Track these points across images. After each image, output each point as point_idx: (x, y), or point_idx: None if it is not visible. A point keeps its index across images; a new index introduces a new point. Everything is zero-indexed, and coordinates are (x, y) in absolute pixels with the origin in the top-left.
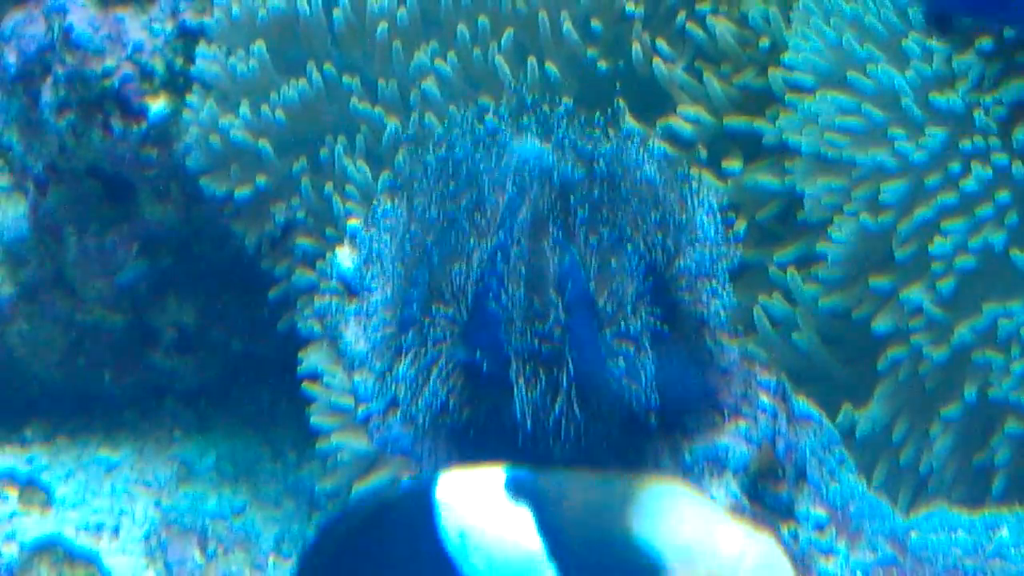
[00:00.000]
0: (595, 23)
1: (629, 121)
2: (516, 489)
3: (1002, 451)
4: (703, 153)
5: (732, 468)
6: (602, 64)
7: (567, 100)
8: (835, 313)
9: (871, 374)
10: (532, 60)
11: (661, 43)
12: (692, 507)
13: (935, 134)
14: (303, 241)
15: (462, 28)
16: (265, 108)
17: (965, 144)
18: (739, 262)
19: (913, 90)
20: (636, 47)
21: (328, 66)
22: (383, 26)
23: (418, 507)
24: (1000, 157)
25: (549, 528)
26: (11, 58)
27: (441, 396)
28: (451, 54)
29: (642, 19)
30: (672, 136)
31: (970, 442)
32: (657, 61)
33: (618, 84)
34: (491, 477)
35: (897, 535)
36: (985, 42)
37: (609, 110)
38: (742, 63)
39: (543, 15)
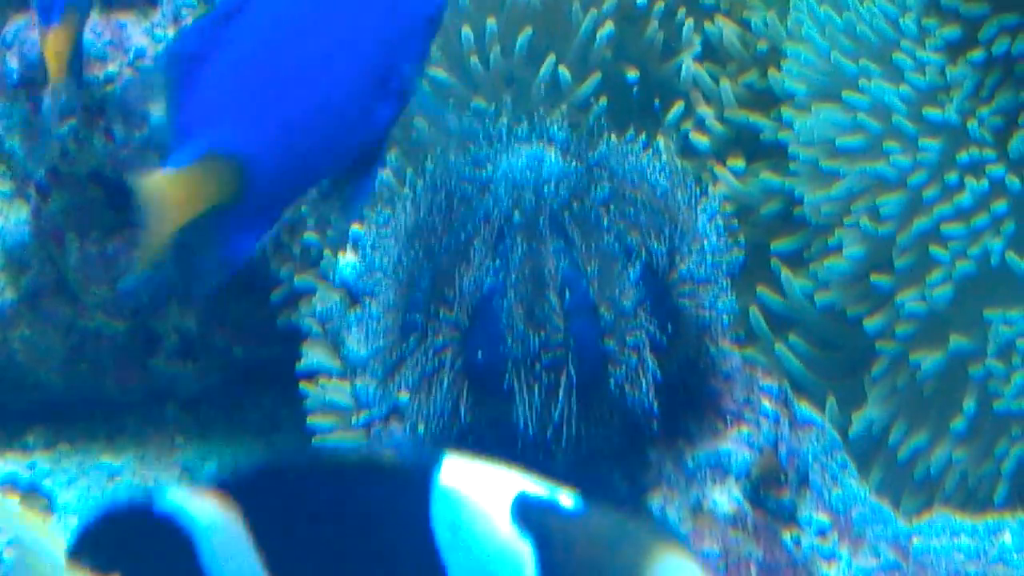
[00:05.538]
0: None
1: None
2: (524, 514)
3: (1006, 460)
4: (714, 166)
5: (735, 474)
6: (619, 68)
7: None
8: (832, 314)
9: (860, 387)
10: (551, 57)
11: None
12: None
13: (930, 147)
14: (308, 237)
15: (466, 31)
16: None
17: (962, 156)
18: (740, 263)
19: (908, 103)
20: (658, 35)
21: None
22: None
23: (413, 481)
24: (996, 168)
25: (550, 573)
26: (13, 64)
27: (443, 402)
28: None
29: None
30: (687, 146)
31: (971, 451)
32: (683, 55)
33: (635, 89)
34: (502, 486)
35: (900, 540)
36: (976, 54)
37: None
38: (747, 64)
39: (576, 4)
